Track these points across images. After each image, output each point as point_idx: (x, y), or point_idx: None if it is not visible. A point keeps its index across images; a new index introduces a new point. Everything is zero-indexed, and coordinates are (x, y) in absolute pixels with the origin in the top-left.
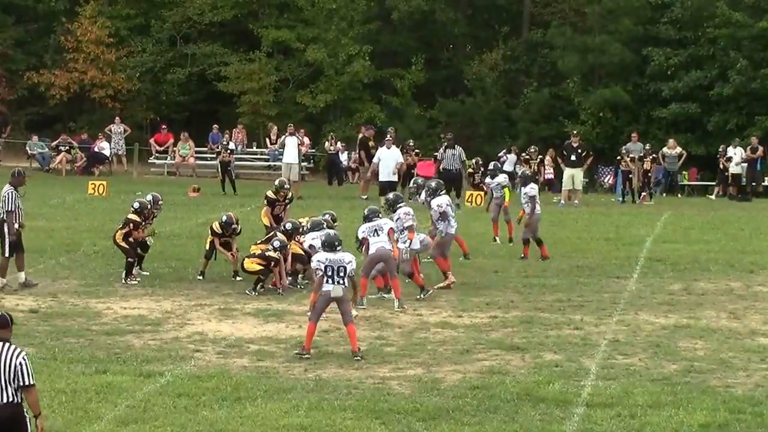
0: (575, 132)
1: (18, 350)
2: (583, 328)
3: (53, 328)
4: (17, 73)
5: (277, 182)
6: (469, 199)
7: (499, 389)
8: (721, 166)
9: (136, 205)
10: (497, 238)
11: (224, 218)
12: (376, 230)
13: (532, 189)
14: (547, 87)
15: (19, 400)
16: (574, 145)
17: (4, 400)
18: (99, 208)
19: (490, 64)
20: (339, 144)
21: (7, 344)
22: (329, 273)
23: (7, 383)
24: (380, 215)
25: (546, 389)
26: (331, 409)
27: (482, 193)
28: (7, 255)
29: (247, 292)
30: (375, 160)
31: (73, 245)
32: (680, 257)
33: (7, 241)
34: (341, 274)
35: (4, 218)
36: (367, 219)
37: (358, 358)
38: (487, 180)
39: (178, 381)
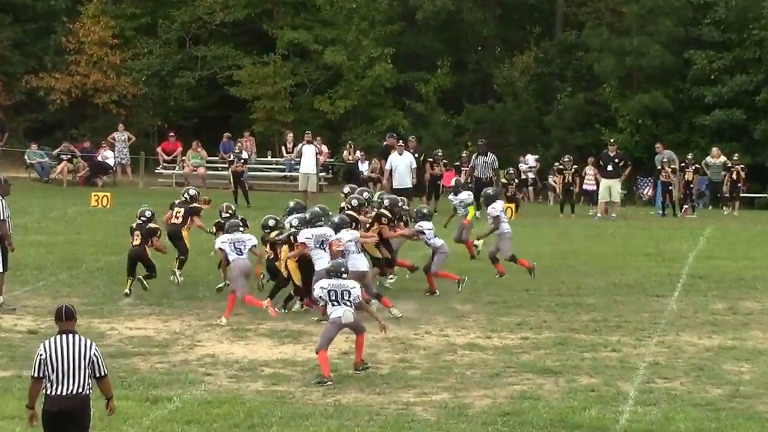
0: (612, 141)
1: (89, 341)
2: (621, 350)
3: None
4: (15, 77)
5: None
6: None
7: (531, 415)
8: None
9: (192, 191)
10: (475, 255)
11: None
12: (323, 242)
13: (493, 209)
14: (582, 92)
15: (89, 392)
16: (611, 154)
17: (78, 391)
18: (103, 221)
19: (521, 68)
20: (358, 153)
21: (78, 336)
22: (332, 297)
23: (82, 375)
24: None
25: (581, 415)
26: None
27: (513, 205)
28: (2, 270)
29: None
30: (387, 167)
31: (74, 261)
32: (724, 274)
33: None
34: (346, 297)
35: None
36: (310, 223)
37: (360, 370)
38: (450, 197)
39: (188, 407)
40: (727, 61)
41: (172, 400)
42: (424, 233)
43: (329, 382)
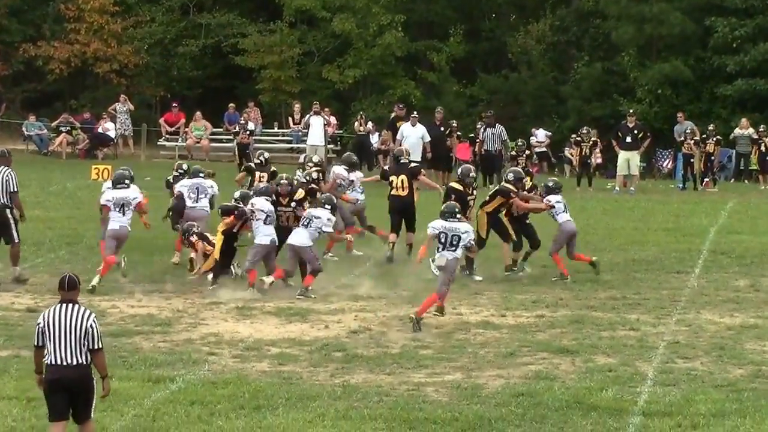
0: (631, 111)
1: (88, 312)
2: (640, 328)
3: None
4: (12, 46)
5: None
6: None
7: (547, 396)
8: None
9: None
10: None
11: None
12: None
13: (548, 200)
14: (599, 61)
15: (88, 362)
16: (630, 125)
17: (74, 362)
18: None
19: (537, 36)
20: (370, 124)
21: (77, 306)
22: (443, 240)
23: (79, 345)
24: None
25: (598, 396)
26: (360, 418)
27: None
28: (17, 240)
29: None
30: (399, 137)
31: (74, 237)
32: (747, 250)
33: (16, 226)
34: (454, 243)
35: (8, 203)
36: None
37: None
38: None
39: (191, 387)
40: (749, 29)
41: (174, 381)
42: (553, 206)
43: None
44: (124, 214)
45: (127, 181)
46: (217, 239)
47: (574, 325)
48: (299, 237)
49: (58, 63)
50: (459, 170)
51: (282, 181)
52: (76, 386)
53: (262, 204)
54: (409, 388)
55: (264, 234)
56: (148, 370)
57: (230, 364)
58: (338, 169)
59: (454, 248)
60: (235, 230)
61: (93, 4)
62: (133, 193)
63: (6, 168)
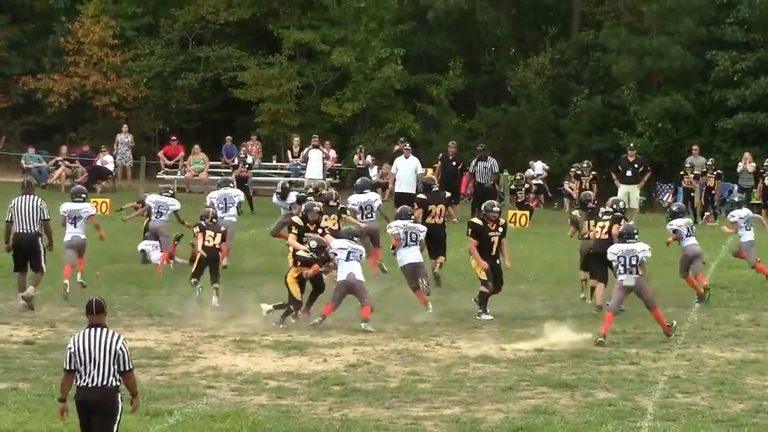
0: (632, 145)
1: (117, 335)
2: (640, 363)
3: (50, 362)
4: (12, 78)
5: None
6: (512, 219)
7: (546, 430)
8: None
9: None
10: None
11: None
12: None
13: (732, 216)
14: (599, 94)
15: (117, 384)
16: (630, 159)
17: (102, 384)
18: (102, 228)
19: (537, 69)
20: (369, 158)
21: (106, 329)
22: (622, 263)
23: (108, 367)
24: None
25: (598, 431)
26: None
27: (527, 212)
28: (44, 270)
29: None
30: (392, 170)
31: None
32: (747, 284)
33: (44, 254)
34: (633, 263)
35: (39, 231)
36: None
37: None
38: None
39: (189, 421)
40: (750, 63)
41: (172, 414)
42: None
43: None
44: (76, 226)
45: (83, 195)
46: (292, 283)
47: (573, 359)
48: (357, 272)
49: (57, 96)
50: (483, 205)
51: (314, 208)
52: (101, 407)
53: (340, 244)
54: (407, 422)
55: (343, 271)
56: (146, 403)
57: (228, 398)
58: (353, 199)
59: (635, 268)
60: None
61: (92, 37)
62: (86, 206)
63: (36, 197)
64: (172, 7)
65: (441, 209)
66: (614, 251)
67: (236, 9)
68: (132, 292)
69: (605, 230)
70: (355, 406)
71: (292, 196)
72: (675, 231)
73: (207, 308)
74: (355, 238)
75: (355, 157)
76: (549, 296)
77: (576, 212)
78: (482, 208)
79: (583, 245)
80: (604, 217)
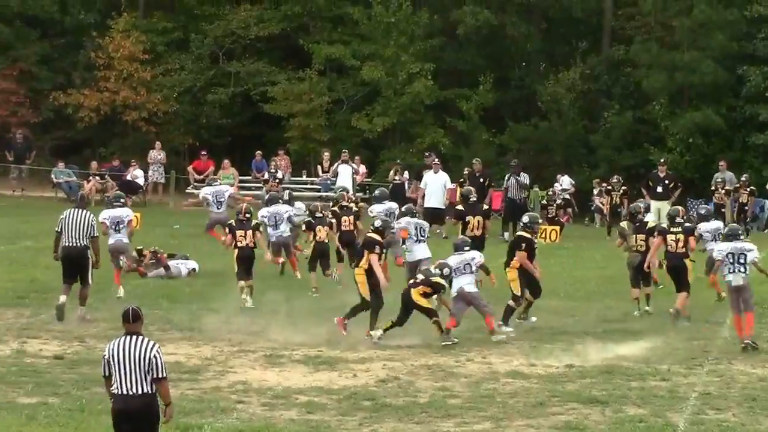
0: (662, 161)
1: (152, 343)
2: (671, 379)
3: (80, 377)
4: (42, 93)
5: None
6: (543, 235)
7: None
8: None
9: (378, 223)
10: None
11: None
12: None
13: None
14: (630, 110)
15: (153, 391)
16: (661, 175)
17: (140, 392)
18: (132, 242)
19: (567, 84)
20: (406, 174)
21: (141, 337)
22: (730, 260)
23: (144, 375)
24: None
25: None
26: None
27: (557, 227)
28: (90, 284)
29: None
30: (422, 185)
31: (102, 284)
32: None
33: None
34: (741, 261)
35: (88, 245)
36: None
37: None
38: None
39: None
40: None
41: (203, 428)
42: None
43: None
44: (119, 231)
45: (122, 200)
46: (419, 299)
47: (604, 375)
48: (469, 284)
49: (87, 110)
50: (526, 218)
51: (391, 226)
52: (141, 415)
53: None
54: None
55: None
56: (177, 417)
57: (258, 413)
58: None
59: (743, 267)
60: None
61: (123, 52)
62: (126, 211)
63: (87, 212)
64: (202, 22)
65: (479, 221)
66: (722, 249)
67: (266, 24)
68: (163, 306)
69: (681, 243)
70: (385, 421)
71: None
72: (701, 236)
73: (240, 318)
74: (466, 247)
75: (391, 172)
76: (580, 312)
77: (624, 224)
78: (527, 221)
79: (632, 258)
80: (673, 229)
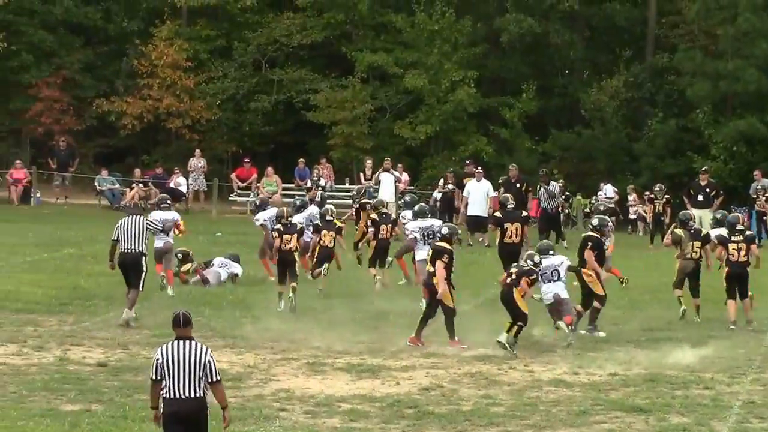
0: (704, 169)
1: (205, 347)
2: (714, 387)
3: (123, 384)
4: (86, 101)
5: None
6: None
7: None
8: None
9: (445, 230)
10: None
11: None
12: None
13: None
14: (673, 118)
15: (204, 395)
16: (702, 183)
17: (194, 395)
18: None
19: (610, 92)
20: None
21: (193, 341)
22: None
23: (198, 379)
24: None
25: None
26: None
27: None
28: (141, 289)
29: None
30: (464, 193)
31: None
32: None
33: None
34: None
35: (144, 251)
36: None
37: None
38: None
39: None
40: None
41: None
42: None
43: None
44: (168, 234)
45: (168, 202)
46: (519, 300)
47: (647, 384)
48: (563, 290)
49: (130, 118)
50: (595, 220)
51: (458, 232)
52: (193, 418)
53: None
54: None
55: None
56: (219, 425)
57: (301, 420)
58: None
59: None
60: None
61: (166, 59)
62: (173, 213)
63: (143, 217)
64: (245, 30)
65: (517, 228)
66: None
67: (309, 32)
68: (205, 314)
69: (743, 252)
70: (428, 429)
71: (312, 207)
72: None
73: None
74: (551, 252)
75: (441, 181)
76: (623, 320)
77: (679, 231)
78: (598, 223)
79: (685, 265)
80: (734, 238)
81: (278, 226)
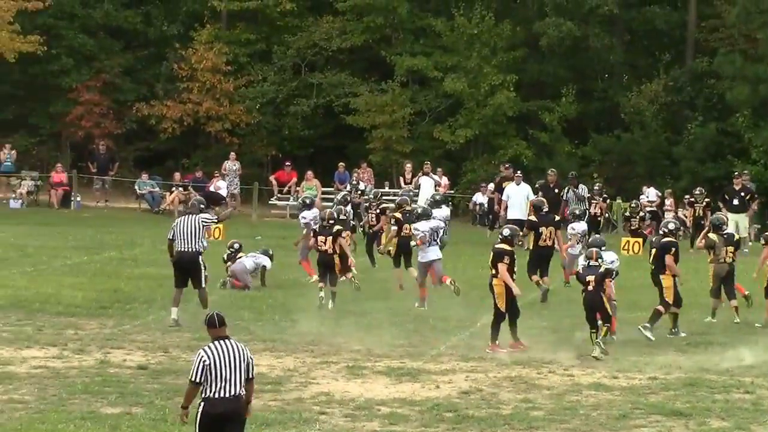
0: (737, 173)
1: (244, 345)
2: (755, 391)
3: (163, 387)
4: (125, 105)
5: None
6: (626, 247)
7: None
8: None
9: (506, 231)
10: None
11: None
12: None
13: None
14: (713, 122)
15: (243, 393)
16: (737, 188)
17: (237, 394)
18: (215, 254)
19: (650, 96)
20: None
21: (233, 340)
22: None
23: (242, 377)
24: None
25: None
26: None
27: (640, 240)
28: (204, 286)
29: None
30: (504, 197)
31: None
32: None
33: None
34: None
35: (200, 249)
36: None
37: None
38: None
39: None
40: None
41: None
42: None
43: None
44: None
45: (203, 205)
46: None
47: (687, 388)
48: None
49: (170, 122)
50: (666, 224)
51: (519, 234)
52: (236, 417)
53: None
54: None
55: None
56: (259, 428)
57: (341, 424)
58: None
59: None
60: None
61: (206, 63)
62: (209, 215)
63: (198, 217)
64: (285, 34)
65: (551, 232)
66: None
67: (349, 36)
68: (245, 318)
69: None
70: None
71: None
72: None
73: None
74: (603, 247)
75: (491, 185)
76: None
77: (712, 235)
78: (667, 227)
79: (719, 269)
80: None
81: (315, 226)
